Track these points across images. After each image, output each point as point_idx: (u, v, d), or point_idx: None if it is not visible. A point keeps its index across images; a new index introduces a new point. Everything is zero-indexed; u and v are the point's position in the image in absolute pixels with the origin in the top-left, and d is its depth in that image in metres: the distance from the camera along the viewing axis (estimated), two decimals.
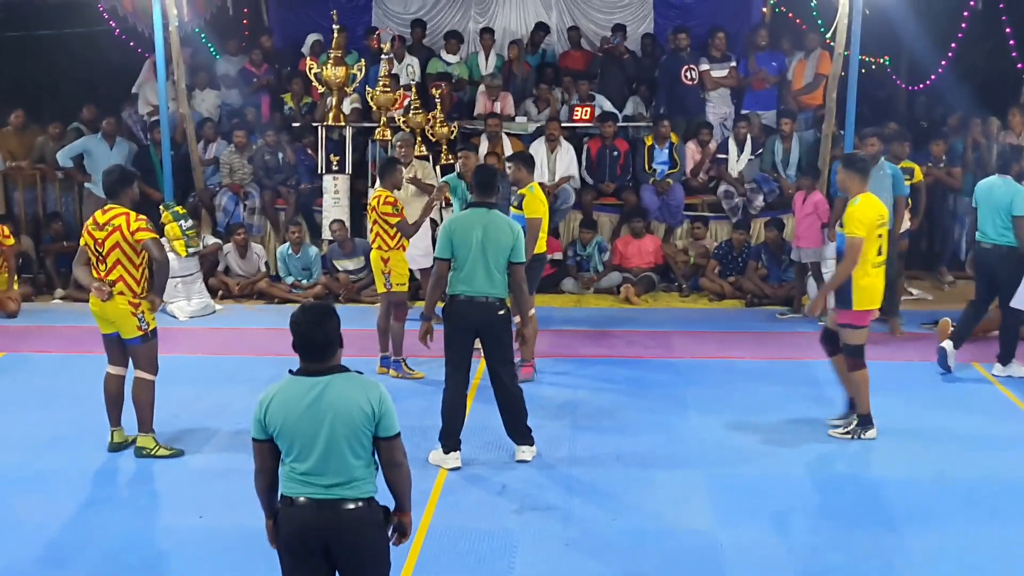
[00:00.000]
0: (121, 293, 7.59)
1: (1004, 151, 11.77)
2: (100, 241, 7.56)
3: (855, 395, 8.11)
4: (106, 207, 7.66)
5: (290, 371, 4.56)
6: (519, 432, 7.75)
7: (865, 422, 8.07)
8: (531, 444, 7.77)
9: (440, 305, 7.76)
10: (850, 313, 7.88)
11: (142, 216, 7.71)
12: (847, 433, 8.09)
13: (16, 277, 12.69)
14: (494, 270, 7.48)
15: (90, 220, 7.71)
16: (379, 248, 9.66)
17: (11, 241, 12.57)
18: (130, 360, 7.89)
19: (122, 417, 7.99)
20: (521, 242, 7.61)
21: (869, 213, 7.79)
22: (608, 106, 14.05)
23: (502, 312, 7.57)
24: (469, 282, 7.47)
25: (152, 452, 7.81)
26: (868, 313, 7.91)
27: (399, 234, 9.58)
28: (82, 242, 7.75)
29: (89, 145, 13.75)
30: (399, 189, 10.39)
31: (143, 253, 7.60)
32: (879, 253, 7.88)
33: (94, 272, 7.68)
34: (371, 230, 9.76)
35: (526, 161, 9.64)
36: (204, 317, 12.09)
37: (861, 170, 7.95)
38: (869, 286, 7.83)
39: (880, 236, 7.88)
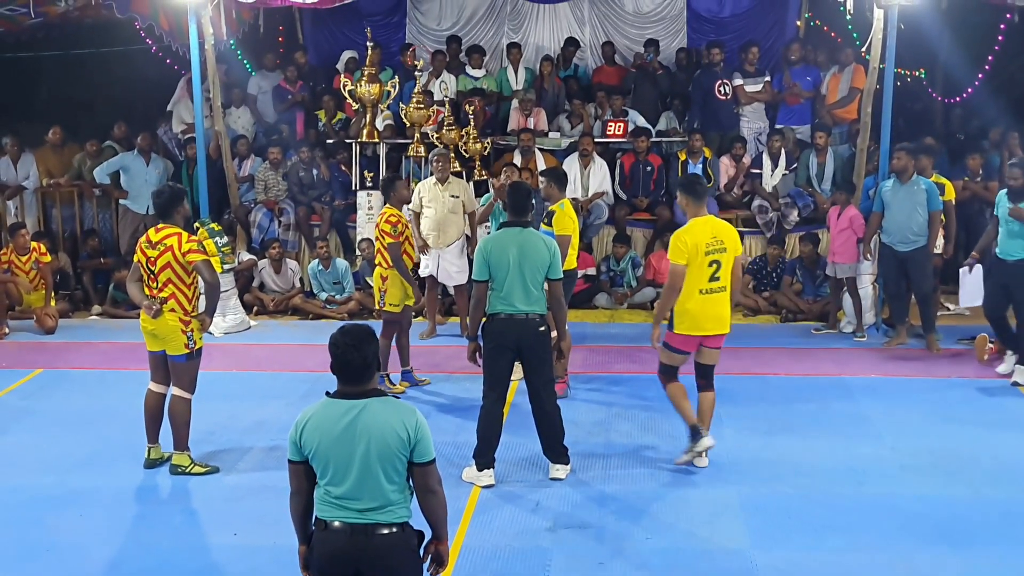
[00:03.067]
0: (172, 310, 7.65)
1: None
2: (152, 259, 7.63)
3: (677, 410, 7.90)
4: (159, 226, 7.73)
5: (327, 393, 4.57)
6: (555, 451, 7.74)
7: (694, 433, 7.83)
8: (566, 463, 7.76)
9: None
10: (672, 335, 7.74)
11: (194, 237, 7.79)
12: (687, 453, 7.87)
13: (53, 294, 12.81)
14: (531, 287, 7.50)
15: (143, 238, 7.79)
16: (380, 265, 9.68)
17: (48, 258, 12.71)
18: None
19: (160, 435, 8.05)
20: (558, 258, 7.62)
21: (696, 238, 7.51)
22: (641, 121, 14.01)
23: (542, 328, 7.58)
24: (508, 300, 7.50)
25: (187, 470, 7.86)
26: (690, 339, 7.70)
27: (402, 253, 9.57)
28: (135, 259, 7.83)
29: (126, 162, 13.86)
30: (408, 203, 10.42)
31: (194, 273, 7.68)
32: (712, 279, 7.57)
33: (146, 289, 7.76)
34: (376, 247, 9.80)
35: (558, 177, 9.57)
36: (239, 333, 12.15)
37: (693, 193, 7.68)
38: (694, 311, 7.61)
39: (716, 263, 7.55)
